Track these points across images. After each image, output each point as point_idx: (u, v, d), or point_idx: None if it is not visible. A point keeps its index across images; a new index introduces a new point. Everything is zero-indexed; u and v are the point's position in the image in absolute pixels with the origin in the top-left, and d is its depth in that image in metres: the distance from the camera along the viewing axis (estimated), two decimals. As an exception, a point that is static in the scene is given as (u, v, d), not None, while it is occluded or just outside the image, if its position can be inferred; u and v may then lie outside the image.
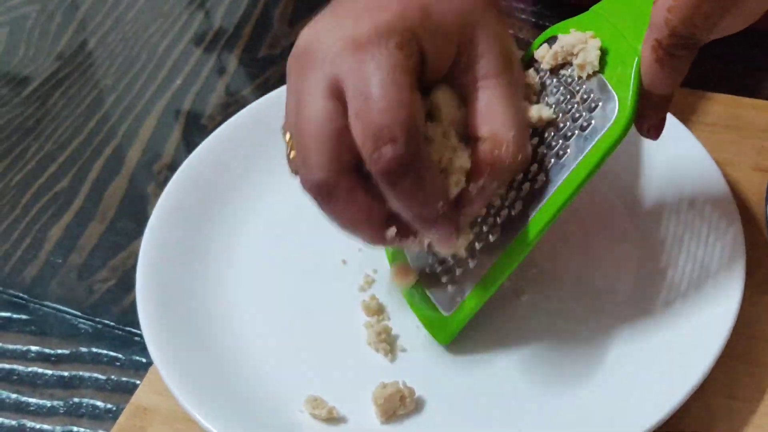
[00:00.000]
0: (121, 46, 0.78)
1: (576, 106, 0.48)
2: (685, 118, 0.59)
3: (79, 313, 0.58)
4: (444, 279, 0.51)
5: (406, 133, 0.41)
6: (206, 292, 0.53)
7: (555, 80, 0.49)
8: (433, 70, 0.45)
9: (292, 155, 0.45)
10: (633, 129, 0.46)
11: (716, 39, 0.44)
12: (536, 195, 0.48)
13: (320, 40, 0.44)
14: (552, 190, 0.47)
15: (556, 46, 0.48)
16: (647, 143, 0.51)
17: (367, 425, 0.48)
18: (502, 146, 0.45)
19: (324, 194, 0.43)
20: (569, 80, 0.49)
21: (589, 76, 0.48)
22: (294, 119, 0.44)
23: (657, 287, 0.51)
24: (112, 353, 0.56)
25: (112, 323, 0.57)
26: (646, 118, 0.47)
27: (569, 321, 0.51)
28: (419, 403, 0.48)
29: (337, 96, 0.43)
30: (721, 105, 0.62)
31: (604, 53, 0.48)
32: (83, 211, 0.65)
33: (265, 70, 0.73)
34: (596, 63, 0.47)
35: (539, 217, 0.48)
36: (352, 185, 0.43)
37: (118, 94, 0.74)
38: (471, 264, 0.50)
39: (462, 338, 0.50)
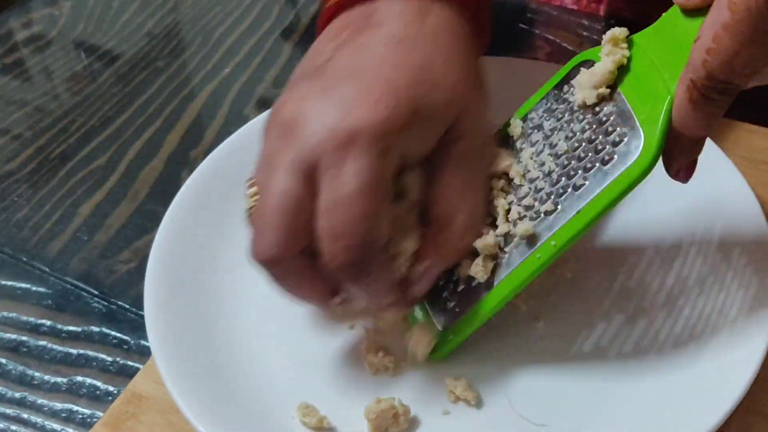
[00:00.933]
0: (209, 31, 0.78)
1: (601, 137, 0.45)
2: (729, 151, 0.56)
3: (96, 292, 0.58)
4: (445, 294, 0.49)
5: (363, 243, 0.42)
6: (212, 291, 0.52)
7: (583, 109, 0.47)
8: (413, 159, 0.45)
9: (251, 209, 0.45)
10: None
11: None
12: (549, 222, 0.46)
13: (305, 120, 0.43)
14: (564, 220, 0.45)
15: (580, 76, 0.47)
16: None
17: (357, 440, 0.46)
18: (450, 229, 0.45)
19: (272, 268, 0.44)
20: (597, 109, 0.46)
21: (611, 103, 0.45)
22: (262, 186, 0.44)
23: (675, 326, 0.49)
24: (121, 335, 0.56)
25: (126, 305, 0.57)
26: (676, 160, 0.45)
27: (580, 354, 0.49)
28: (414, 423, 0.47)
29: (311, 180, 0.43)
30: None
31: (634, 84, 0.45)
32: (116, 190, 0.65)
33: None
34: (610, 76, 0.45)
35: (548, 244, 0.46)
36: (302, 265, 0.44)
37: (198, 77, 0.74)
38: (474, 283, 0.48)
39: (469, 360, 0.49)
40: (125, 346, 0.55)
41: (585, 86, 0.46)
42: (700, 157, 0.45)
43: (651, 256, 0.53)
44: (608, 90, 0.45)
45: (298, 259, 0.44)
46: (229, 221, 0.54)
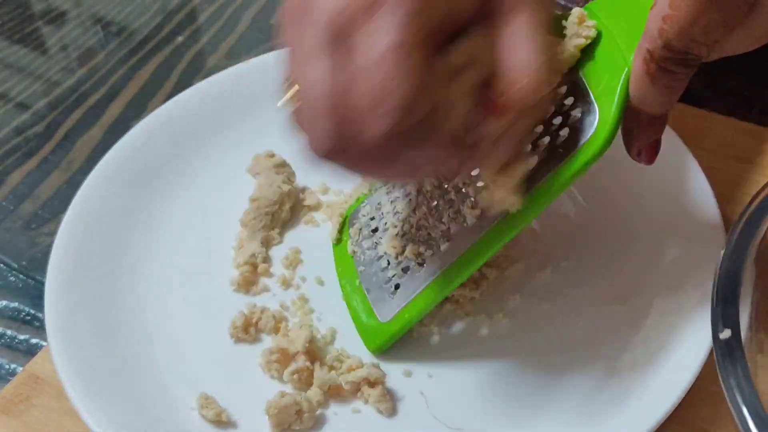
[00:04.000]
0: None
1: (554, 113, 0.42)
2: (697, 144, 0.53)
3: (15, 265, 0.55)
4: (387, 284, 0.47)
5: (407, 106, 0.36)
6: (115, 280, 0.49)
7: None
8: (461, 15, 0.39)
9: (297, 110, 0.39)
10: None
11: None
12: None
13: None
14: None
15: None
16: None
17: (257, 436, 0.43)
18: (522, 81, 0.38)
19: (340, 159, 0.38)
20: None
21: (570, 79, 0.42)
22: (300, 80, 0.38)
23: (628, 324, 0.46)
24: (33, 312, 0.53)
25: (43, 281, 0.54)
26: (636, 139, 0.41)
27: (521, 354, 0.46)
28: (319, 420, 0.44)
29: (345, 51, 0.37)
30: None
31: (590, 56, 0.42)
32: (51, 158, 0.62)
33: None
34: (572, 60, 0.41)
35: (493, 233, 0.42)
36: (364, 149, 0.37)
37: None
38: (416, 273, 0.45)
39: (397, 357, 0.46)
40: (36, 323, 0.52)
41: None
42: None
43: (604, 251, 0.49)
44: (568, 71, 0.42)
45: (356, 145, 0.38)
46: (137, 212, 0.52)
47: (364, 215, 0.50)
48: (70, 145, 0.63)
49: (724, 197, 0.51)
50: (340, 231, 0.51)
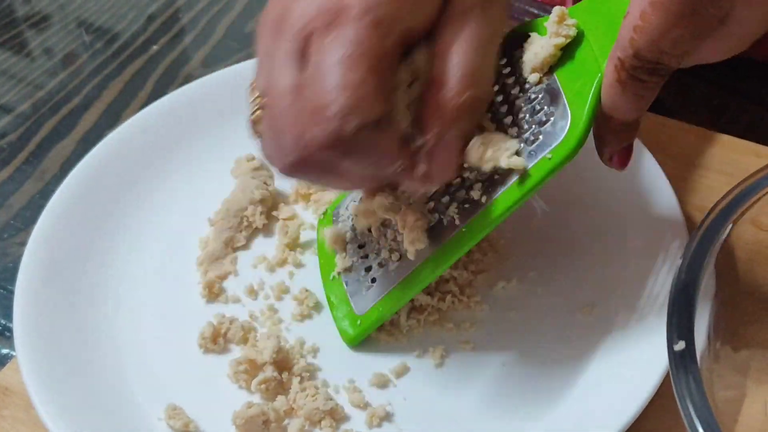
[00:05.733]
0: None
1: (527, 116, 0.42)
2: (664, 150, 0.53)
3: (-14, 275, 0.56)
4: (364, 276, 0.47)
5: (354, 114, 0.38)
6: (84, 289, 0.50)
7: (513, 80, 0.44)
8: (416, 32, 0.41)
9: (255, 116, 0.42)
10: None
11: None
12: (469, 205, 0.43)
13: (292, 8, 0.40)
14: (485, 203, 0.42)
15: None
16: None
17: (225, 447, 0.44)
18: (446, 85, 0.40)
19: (298, 171, 0.40)
20: (527, 86, 0.43)
21: (542, 82, 0.42)
22: (265, 88, 0.40)
23: (594, 332, 0.46)
24: (3, 322, 0.53)
25: (14, 291, 0.54)
26: (607, 145, 0.42)
27: (491, 363, 0.46)
28: (287, 430, 0.44)
29: (304, 57, 0.39)
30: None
31: (566, 60, 0.42)
32: (24, 168, 0.62)
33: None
34: (551, 59, 0.42)
35: (468, 231, 0.43)
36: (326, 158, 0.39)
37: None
38: (392, 266, 0.46)
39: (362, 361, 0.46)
40: (7, 334, 0.52)
41: (526, 68, 0.43)
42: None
43: (570, 260, 0.50)
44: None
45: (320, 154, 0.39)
46: (108, 222, 0.53)
47: (346, 209, 0.50)
48: (44, 154, 0.63)
49: (689, 206, 0.51)
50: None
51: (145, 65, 0.69)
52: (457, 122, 0.40)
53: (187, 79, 0.68)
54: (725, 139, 0.56)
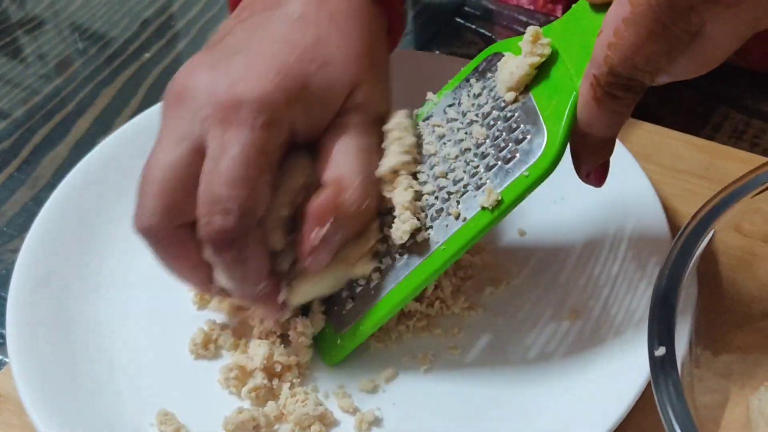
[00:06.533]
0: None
1: (504, 134, 0.43)
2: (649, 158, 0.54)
3: (-20, 281, 0.56)
4: (344, 294, 0.47)
5: (240, 211, 0.42)
6: (76, 294, 0.50)
7: (490, 100, 0.44)
8: (307, 135, 0.45)
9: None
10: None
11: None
12: (447, 221, 0.44)
13: (193, 91, 0.43)
14: (460, 224, 0.43)
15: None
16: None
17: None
18: (347, 192, 0.43)
19: (150, 238, 0.44)
20: (503, 104, 0.44)
21: (518, 100, 0.43)
22: (150, 157, 0.44)
23: (582, 337, 0.47)
24: (-3, 329, 0.53)
25: (7, 298, 0.55)
26: (584, 162, 0.42)
27: (477, 363, 0.47)
28: (277, 437, 0.45)
29: (198, 151, 0.43)
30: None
31: (541, 79, 0.43)
32: (17, 175, 0.62)
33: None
34: (527, 78, 0.43)
35: (446, 247, 0.44)
36: (182, 239, 0.44)
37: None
38: (372, 284, 0.46)
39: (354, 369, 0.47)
40: (1, 340, 0.53)
41: (502, 87, 0.44)
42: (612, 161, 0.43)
43: (557, 266, 0.51)
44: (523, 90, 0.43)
45: (179, 233, 0.44)
46: (100, 230, 0.53)
47: None
48: (37, 161, 0.63)
49: (674, 211, 0.52)
50: None
51: (137, 72, 0.70)
52: (346, 225, 0.44)
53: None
54: (710, 145, 0.56)
